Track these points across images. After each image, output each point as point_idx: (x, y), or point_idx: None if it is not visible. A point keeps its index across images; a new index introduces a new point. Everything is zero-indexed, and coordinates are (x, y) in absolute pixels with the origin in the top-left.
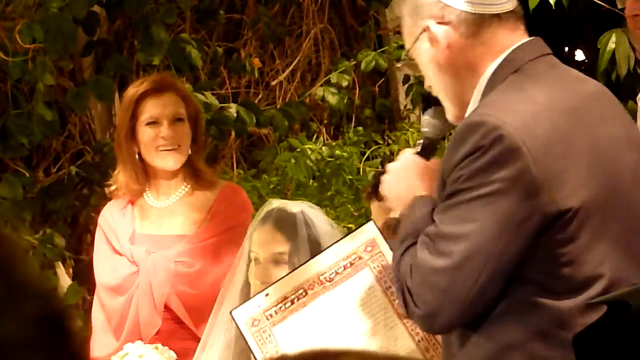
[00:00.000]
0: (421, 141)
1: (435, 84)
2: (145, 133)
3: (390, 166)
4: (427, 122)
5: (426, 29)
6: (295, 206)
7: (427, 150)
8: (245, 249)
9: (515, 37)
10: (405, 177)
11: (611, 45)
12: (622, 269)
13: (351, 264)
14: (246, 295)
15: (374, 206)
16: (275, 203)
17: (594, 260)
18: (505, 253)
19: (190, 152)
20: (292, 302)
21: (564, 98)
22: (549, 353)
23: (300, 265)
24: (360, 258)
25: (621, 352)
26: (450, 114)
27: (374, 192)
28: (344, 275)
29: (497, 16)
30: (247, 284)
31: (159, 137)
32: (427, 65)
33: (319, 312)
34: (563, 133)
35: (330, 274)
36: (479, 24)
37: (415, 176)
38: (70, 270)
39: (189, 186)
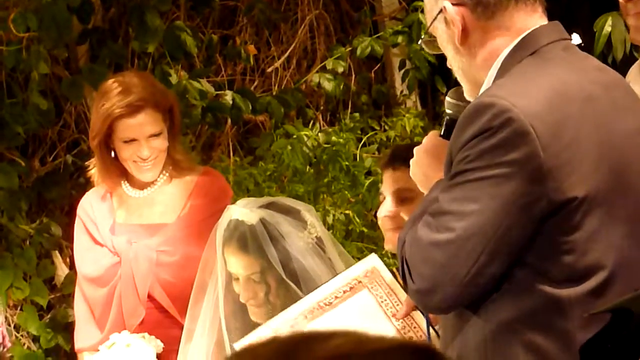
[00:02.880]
0: (445, 122)
1: (453, 64)
2: (122, 149)
3: (415, 149)
4: (449, 103)
5: (443, 10)
6: (252, 216)
7: (451, 132)
8: (220, 257)
9: (533, 20)
10: (430, 159)
11: (607, 28)
12: (626, 263)
13: (351, 289)
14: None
15: (387, 176)
16: (234, 211)
17: (596, 251)
18: (506, 236)
19: (167, 142)
20: (292, 327)
21: (580, 85)
22: (546, 343)
23: (308, 296)
24: (359, 282)
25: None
26: (467, 93)
27: (392, 160)
28: (342, 299)
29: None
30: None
31: (137, 155)
32: (445, 45)
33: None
34: (575, 121)
35: (329, 300)
36: (496, 5)
37: (439, 158)
38: (68, 259)
39: (167, 174)
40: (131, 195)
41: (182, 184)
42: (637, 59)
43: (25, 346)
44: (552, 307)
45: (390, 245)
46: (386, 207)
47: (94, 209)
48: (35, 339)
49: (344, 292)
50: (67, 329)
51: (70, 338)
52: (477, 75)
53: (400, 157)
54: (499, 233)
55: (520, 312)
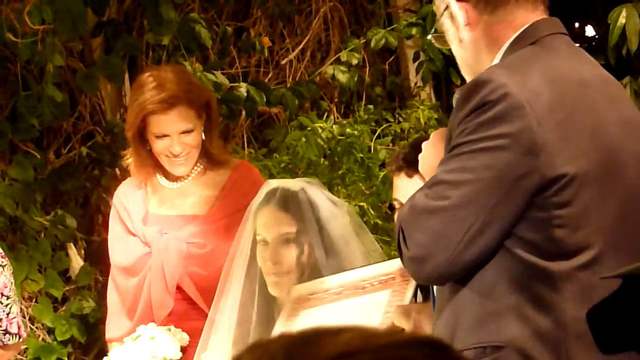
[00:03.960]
0: None
1: (458, 58)
2: (155, 143)
3: (424, 144)
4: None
5: (448, 6)
6: (294, 184)
7: None
8: (248, 230)
9: (534, 16)
10: (439, 152)
11: (621, 20)
12: (615, 244)
13: (384, 282)
14: (253, 275)
15: (400, 182)
16: (274, 183)
17: (587, 228)
18: (499, 206)
19: (203, 136)
20: (328, 295)
21: (576, 71)
22: (538, 316)
23: (360, 268)
24: (393, 279)
25: (637, 327)
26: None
27: (405, 166)
28: (374, 288)
29: None
30: (253, 266)
31: (169, 150)
32: (451, 40)
33: (337, 313)
34: (569, 101)
35: (365, 284)
36: (497, 2)
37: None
38: (82, 252)
39: (201, 167)
40: (165, 186)
41: (216, 176)
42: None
43: (40, 338)
44: (543, 280)
45: None
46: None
47: (128, 198)
48: (50, 331)
49: (379, 282)
50: (81, 321)
51: (85, 330)
52: (480, 68)
53: (412, 162)
54: (492, 203)
55: (512, 285)
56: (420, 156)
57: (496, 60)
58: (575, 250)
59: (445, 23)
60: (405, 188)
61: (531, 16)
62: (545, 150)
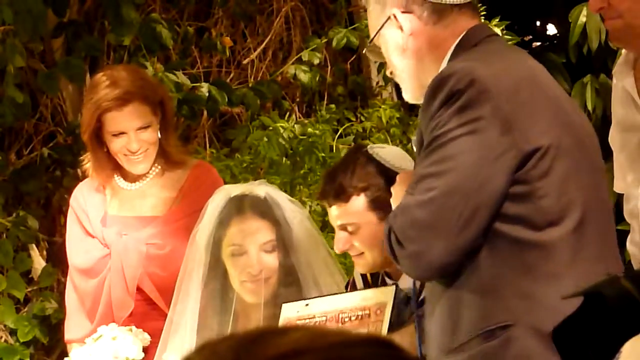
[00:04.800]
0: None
1: (399, 68)
2: (112, 142)
3: (393, 188)
4: None
5: (391, 17)
6: (258, 189)
7: None
8: (207, 234)
9: (472, 24)
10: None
11: (582, 18)
12: (594, 205)
13: (360, 317)
14: (215, 278)
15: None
16: (234, 190)
17: (568, 194)
18: (486, 187)
19: (159, 135)
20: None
21: (522, 61)
22: (536, 288)
23: (340, 294)
24: (368, 316)
25: (599, 345)
26: (411, 95)
27: (325, 197)
28: (352, 325)
29: (457, 6)
30: (214, 269)
31: (126, 148)
32: (391, 51)
33: None
34: (526, 84)
35: (345, 317)
36: (440, 12)
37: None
38: (44, 252)
39: (159, 167)
40: (123, 188)
41: (174, 176)
42: (611, 49)
43: (3, 339)
44: (536, 251)
45: (360, 269)
46: (338, 242)
47: (86, 199)
48: (13, 332)
49: (356, 317)
50: (44, 322)
51: (47, 331)
52: (424, 75)
53: (330, 194)
54: (478, 185)
55: (507, 263)
56: (391, 200)
57: (443, 65)
58: (561, 216)
59: (384, 35)
60: (330, 216)
61: (471, 22)
62: (517, 127)
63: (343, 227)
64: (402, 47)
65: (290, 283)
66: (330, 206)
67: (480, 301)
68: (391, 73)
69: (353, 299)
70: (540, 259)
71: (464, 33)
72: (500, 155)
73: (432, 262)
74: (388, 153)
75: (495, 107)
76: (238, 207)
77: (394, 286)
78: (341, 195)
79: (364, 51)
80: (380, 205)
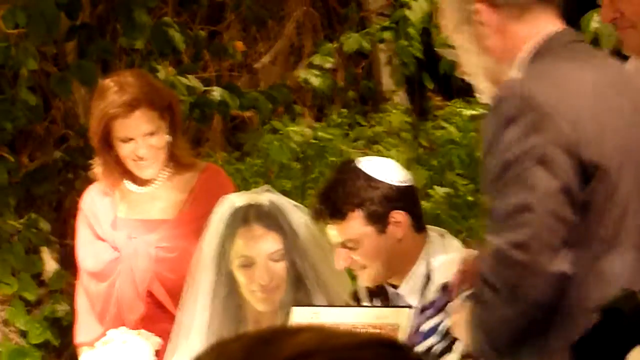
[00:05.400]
0: None
1: (474, 66)
2: (121, 147)
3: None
4: None
5: (475, 12)
6: (262, 198)
7: None
8: (211, 245)
9: (555, 24)
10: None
11: (594, 24)
12: None
13: None
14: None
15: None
16: (239, 199)
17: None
18: (568, 213)
19: (168, 139)
20: None
21: (600, 74)
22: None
23: (353, 307)
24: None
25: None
26: (484, 94)
27: (320, 217)
28: None
29: (541, 3)
30: (222, 275)
31: (135, 154)
32: (468, 47)
33: None
34: (597, 101)
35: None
36: (523, 8)
37: None
38: (56, 255)
39: (168, 171)
40: (133, 191)
41: (184, 180)
42: (624, 57)
43: (14, 341)
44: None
45: (364, 282)
46: (339, 259)
47: (96, 203)
48: (24, 334)
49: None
50: (55, 324)
51: (58, 333)
52: (500, 74)
53: (325, 214)
54: (562, 213)
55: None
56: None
57: (517, 66)
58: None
59: (465, 30)
60: (329, 234)
61: (552, 23)
62: (582, 148)
63: (343, 245)
64: (483, 45)
65: (299, 289)
66: (327, 225)
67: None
68: (463, 72)
69: (367, 314)
70: (606, 262)
71: (544, 36)
72: (572, 178)
73: (530, 301)
74: (377, 165)
75: (556, 131)
76: (243, 218)
77: (408, 309)
78: (337, 214)
79: (438, 49)
80: (377, 218)
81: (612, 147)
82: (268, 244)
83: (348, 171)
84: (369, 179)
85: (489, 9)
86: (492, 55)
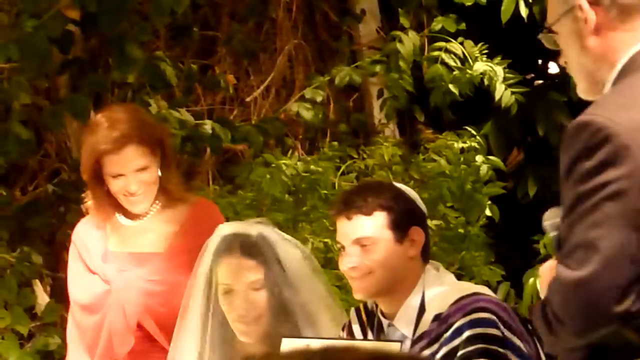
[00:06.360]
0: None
1: (573, 61)
2: (111, 183)
3: (540, 269)
4: (550, 225)
5: (577, 7)
6: (251, 228)
7: None
8: (205, 273)
9: None
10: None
11: None
12: None
13: None
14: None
15: (342, 225)
16: (228, 228)
17: None
18: (635, 256)
19: (160, 173)
20: None
21: None
22: None
23: (344, 340)
24: None
25: None
26: (583, 92)
27: (345, 209)
28: None
29: None
30: (211, 310)
31: (125, 189)
32: (569, 42)
33: None
34: None
35: None
36: (630, 11)
37: None
38: (48, 288)
39: (160, 204)
40: (124, 224)
41: (175, 213)
42: None
43: None
44: None
45: (360, 294)
46: (348, 258)
47: (88, 236)
48: None
49: None
50: (47, 357)
51: None
52: (598, 74)
53: (353, 205)
54: (632, 252)
55: None
56: (539, 281)
57: (615, 71)
58: None
59: (565, 24)
60: (345, 230)
61: None
62: None
63: (358, 242)
64: (582, 43)
65: (285, 321)
66: (349, 219)
67: None
68: (565, 63)
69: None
70: None
71: None
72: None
73: (592, 338)
74: (409, 189)
75: (635, 165)
76: (228, 246)
77: (399, 344)
78: (364, 208)
79: (538, 36)
80: (399, 226)
81: None
82: (248, 273)
83: (385, 182)
84: (402, 194)
85: (591, 7)
86: (589, 56)
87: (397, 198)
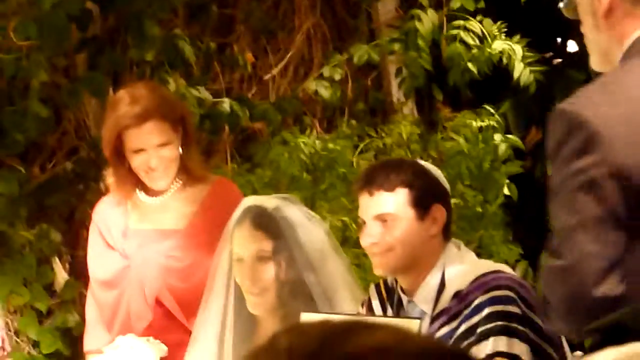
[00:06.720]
0: None
1: (588, 34)
2: (132, 158)
3: None
4: None
5: None
6: (269, 202)
7: None
8: (226, 249)
9: None
10: None
11: None
12: None
13: None
14: (233, 294)
15: (364, 200)
16: (250, 201)
17: None
18: (614, 237)
19: (181, 151)
20: None
21: None
22: None
23: (363, 316)
24: None
25: None
26: (594, 64)
27: (368, 185)
28: None
29: None
30: (232, 283)
31: (146, 165)
32: (584, 16)
33: None
34: None
35: None
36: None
37: None
38: (67, 266)
39: (180, 182)
40: (144, 201)
41: (195, 192)
42: None
43: (26, 351)
44: None
45: (380, 270)
46: (369, 233)
47: (108, 213)
48: (36, 344)
49: None
50: (66, 334)
51: (70, 343)
52: (609, 50)
53: (375, 181)
54: (606, 239)
55: None
56: None
57: (621, 52)
58: None
59: (582, 1)
60: (367, 205)
61: None
62: (632, 172)
63: (379, 218)
64: (595, 22)
65: (299, 297)
66: (371, 195)
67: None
68: (585, 33)
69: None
70: None
71: (637, 37)
72: (617, 199)
73: (588, 322)
74: (432, 167)
75: (605, 152)
76: (243, 216)
77: (419, 320)
78: (386, 184)
79: (560, 5)
80: (420, 203)
81: None
82: (255, 243)
83: (409, 160)
84: (426, 172)
85: None
86: (601, 31)
87: (420, 175)
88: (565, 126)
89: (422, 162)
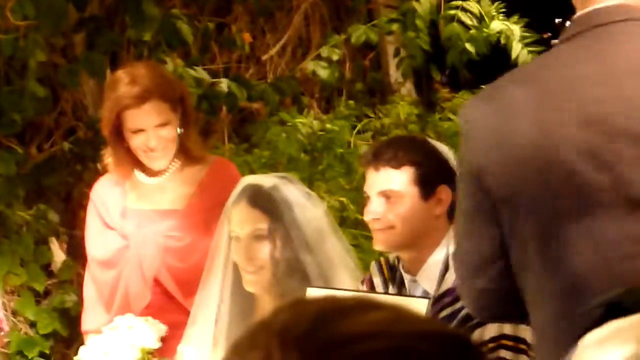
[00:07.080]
0: None
1: None
2: (132, 139)
3: None
4: None
5: None
6: (267, 181)
7: None
8: (224, 228)
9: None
10: None
11: None
12: None
13: None
14: (231, 273)
15: (370, 175)
16: (248, 180)
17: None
18: (486, 231)
19: (180, 131)
20: None
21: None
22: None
23: (369, 293)
24: None
25: None
26: None
27: (374, 161)
28: None
29: None
30: (229, 262)
31: (145, 145)
32: None
33: None
34: (541, 113)
35: None
36: None
37: None
38: (64, 246)
39: (179, 163)
40: (143, 182)
41: (194, 172)
42: None
43: (23, 331)
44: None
45: (379, 245)
46: (372, 209)
47: (106, 193)
48: (33, 325)
49: None
50: (64, 314)
51: (67, 323)
52: None
53: (382, 157)
54: (477, 230)
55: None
56: None
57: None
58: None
59: None
60: (372, 181)
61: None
62: (482, 175)
63: (383, 194)
64: None
65: (295, 275)
66: (377, 170)
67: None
68: None
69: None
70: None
71: (587, 10)
72: (480, 203)
73: (479, 309)
74: (443, 147)
75: (468, 152)
76: (240, 194)
77: (427, 300)
78: (393, 160)
79: None
80: (426, 183)
81: (514, 177)
82: (251, 221)
83: (417, 137)
84: (434, 151)
85: None
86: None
87: (428, 154)
88: (460, 119)
89: (433, 142)
